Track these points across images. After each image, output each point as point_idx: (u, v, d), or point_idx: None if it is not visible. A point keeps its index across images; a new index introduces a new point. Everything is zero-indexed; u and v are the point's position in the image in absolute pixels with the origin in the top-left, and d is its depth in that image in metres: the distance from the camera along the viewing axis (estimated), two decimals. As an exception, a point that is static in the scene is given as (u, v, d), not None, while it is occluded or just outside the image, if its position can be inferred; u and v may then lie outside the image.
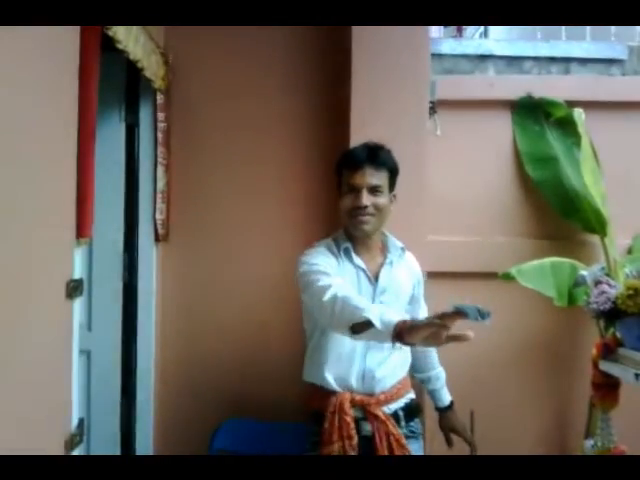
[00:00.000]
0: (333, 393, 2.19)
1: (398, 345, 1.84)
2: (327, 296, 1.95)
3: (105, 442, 2.80)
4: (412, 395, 2.35)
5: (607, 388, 2.59)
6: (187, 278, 3.01)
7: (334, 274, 2.11)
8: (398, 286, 2.28)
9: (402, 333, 1.72)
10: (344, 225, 2.27)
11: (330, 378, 2.21)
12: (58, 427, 1.83)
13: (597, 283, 2.60)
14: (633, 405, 2.63)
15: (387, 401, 2.23)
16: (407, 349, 2.28)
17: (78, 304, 1.99)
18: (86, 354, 2.79)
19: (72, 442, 1.88)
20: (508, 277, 2.76)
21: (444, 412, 2.51)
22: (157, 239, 2.93)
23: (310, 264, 2.14)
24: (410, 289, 2.35)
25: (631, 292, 2.42)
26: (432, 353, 2.49)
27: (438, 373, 2.51)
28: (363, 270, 2.22)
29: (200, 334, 2.99)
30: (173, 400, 3.00)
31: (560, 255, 2.95)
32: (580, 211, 3.01)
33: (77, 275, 1.96)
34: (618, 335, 2.59)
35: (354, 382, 2.20)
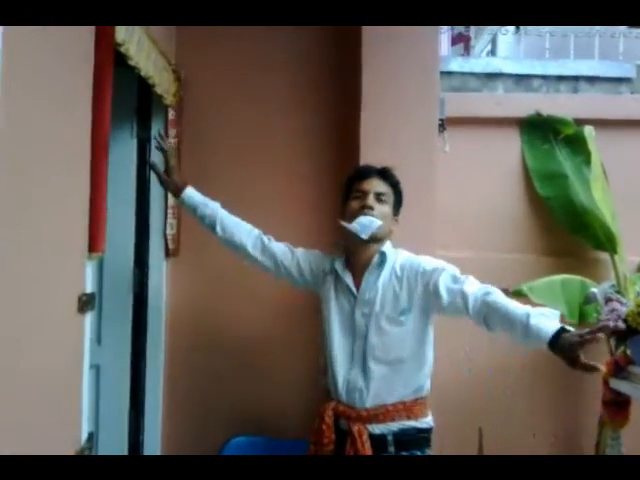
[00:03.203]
0: (328, 399, 2.29)
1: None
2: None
3: (113, 456, 2.79)
4: (417, 425, 2.21)
5: (617, 406, 2.58)
6: (197, 293, 3.01)
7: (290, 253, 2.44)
8: (381, 300, 2.23)
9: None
10: (344, 239, 2.35)
11: (329, 384, 2.32)
12: (68, 441, 1.83)
13: (608, 300, 2.60)
14: (644, 423, 2.62)
15: (370, 419, 2.18)
16: (412, 371, 2.23)
17: (89, 318, 2.00)
18: (95, 368, 2.79)
19: (82, 455, 1.88)
20: (519, 294, 2.76)
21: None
22: (167, 254, 2.94)
23: None
24: (401, 302, 2.22)
25: (642, 309, 2.42)
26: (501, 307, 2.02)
27: (520, 316, 1.94)
28: (346, 283, 2.30)
29: (210, 349, 2.99)
30: (181, 415, 2.99)
31: (569, 272, 2.95)
32: (590, 228, 3.01)
33: (89, 289, 1.97)
34: (629, 353, 2.58)
35: (340, 392, 2.25)
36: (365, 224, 2.20)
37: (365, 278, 2.27)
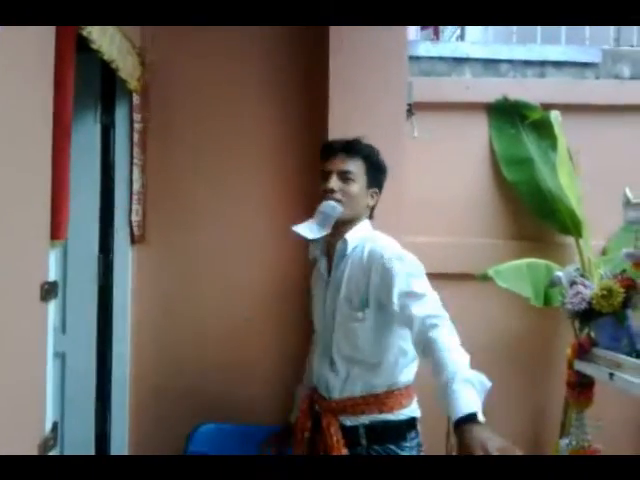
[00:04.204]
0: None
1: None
2: None
3: (79, 446, 2.76)
4: (391, 417, 2.07)
5: (582, 387, 2.62)
6: (163, 280, 2.99)
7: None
8: (348, 285, 2.10)
9: None
10: None
11: (311, 374, 2.28)
12: (31, 431, 1.81)
13: (572, 284, 2.63)
14: (607, 404, 2.66)
15: (340, 411, 2.09)
16: (381, 365, 2.07)
17: (53, 306, 1.97)
18: (61, 357, 2.76)
19: (46, 446, 1.86)
20: (485, 278, 2.78)
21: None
22: (133, 241, 2.90)
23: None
24: (362, 289, 2.06)
25: (605, 293, 2.45)
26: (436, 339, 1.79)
27: (443, 364, 1.73)
28: (320, 270, 2.24)
29: (176, 336, 2.97)
30: (149, 403, 2.97)
31: (536, 256, 2.98)
32: (555, 212, 3.04)
33: (52, 277, 1.94)
34: (593, 335, 2.62)
35: (315, 380, 2.22)
36: (327, 212, 2.08)
37: (334, 265, 2.17)
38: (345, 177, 2.13)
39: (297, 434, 2.21)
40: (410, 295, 1.91)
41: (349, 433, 2.07)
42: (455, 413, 1.56)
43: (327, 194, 2.11)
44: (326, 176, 2.14)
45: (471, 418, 1.53)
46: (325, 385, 2.15)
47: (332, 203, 2.09)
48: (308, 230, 2.08)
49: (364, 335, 2.07)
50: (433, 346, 1.75)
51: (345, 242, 2.13)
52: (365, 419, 2.07)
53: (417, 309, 1.86)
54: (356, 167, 2.15)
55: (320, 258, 2.24)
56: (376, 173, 2.21)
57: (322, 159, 2.21)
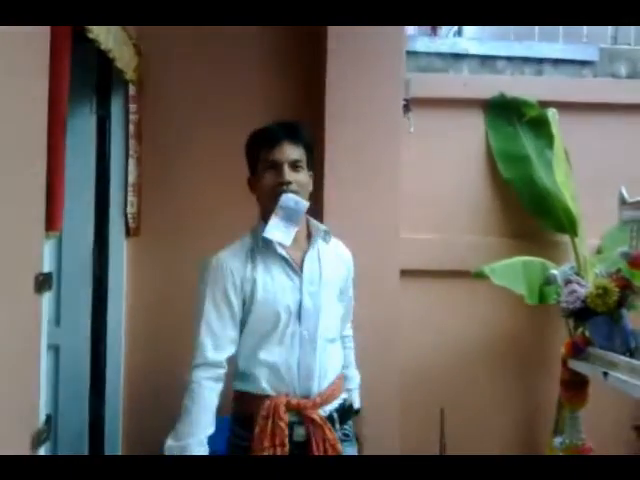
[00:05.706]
0: (267, 397, 1.97)
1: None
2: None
3: (73, 438, 2.76)
4: (345, 396, 2.13)
5: (576, 386, 2.61)
6: (158, 273, 2.98)
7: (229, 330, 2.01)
8: (326, 277, 2.05)
9: None
10: (263, 211, 2.06)
11: (265, 384, 2.00)
12: (25, 423, 1.80)
13: (567, 282, 2.63)
14: (601, 403, 2.67)
15: (323, 403, 2.01)
16: (340, 347, 2.16)
17: (47, 298, 1.96)
18: (54, 349, 2.75)
19: (39, 438, 1.84)
20: (480, 275, 2.78)
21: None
22: (128, 233, 2.90)
23: (209, 299, 2.01)
24: (340, 280, 2.13)
25: (600, 291, 2.44)
26: (350, 351, 2.31)
27: (353, 373, 2.29)
28: (286, 260, 2.02)
29: (170, 329, 2.95)
30: (142, 396, 2.96)
31: (531, 254, 2.98)
32: (551, 210, 3.04)
33: (46, 269, 1.93)
34: (587, 334, 2.62)
35: (291, 384, 2.00)
36: (291, 206, 1.93)
37: (309, 255, 2.03)
38: (295, 166, 1.99)
39: (282, 448, 1.94)
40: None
41: (328, 422, 2.00)
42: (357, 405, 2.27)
43: (282, 187, 1.96)
44: (275, 167, 1.98)
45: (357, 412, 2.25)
46: (312, 381, 2.01)
47: (293, 197, 1.95)
48: (279, 233, 1.96)
49: (340, 316, 2.17)
50: (348, 359, 2.28)
51: (329, 234, 2.10)
52: (336, 403, 2.07)
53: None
54: (301, 154, 2.02)
55: (282, 252, 2.02)
56: (312, 156, 2.10)
57: (264, 147, 2.01)
